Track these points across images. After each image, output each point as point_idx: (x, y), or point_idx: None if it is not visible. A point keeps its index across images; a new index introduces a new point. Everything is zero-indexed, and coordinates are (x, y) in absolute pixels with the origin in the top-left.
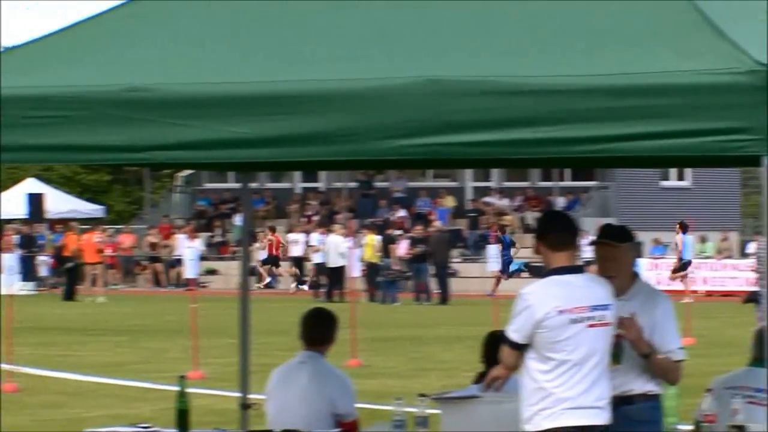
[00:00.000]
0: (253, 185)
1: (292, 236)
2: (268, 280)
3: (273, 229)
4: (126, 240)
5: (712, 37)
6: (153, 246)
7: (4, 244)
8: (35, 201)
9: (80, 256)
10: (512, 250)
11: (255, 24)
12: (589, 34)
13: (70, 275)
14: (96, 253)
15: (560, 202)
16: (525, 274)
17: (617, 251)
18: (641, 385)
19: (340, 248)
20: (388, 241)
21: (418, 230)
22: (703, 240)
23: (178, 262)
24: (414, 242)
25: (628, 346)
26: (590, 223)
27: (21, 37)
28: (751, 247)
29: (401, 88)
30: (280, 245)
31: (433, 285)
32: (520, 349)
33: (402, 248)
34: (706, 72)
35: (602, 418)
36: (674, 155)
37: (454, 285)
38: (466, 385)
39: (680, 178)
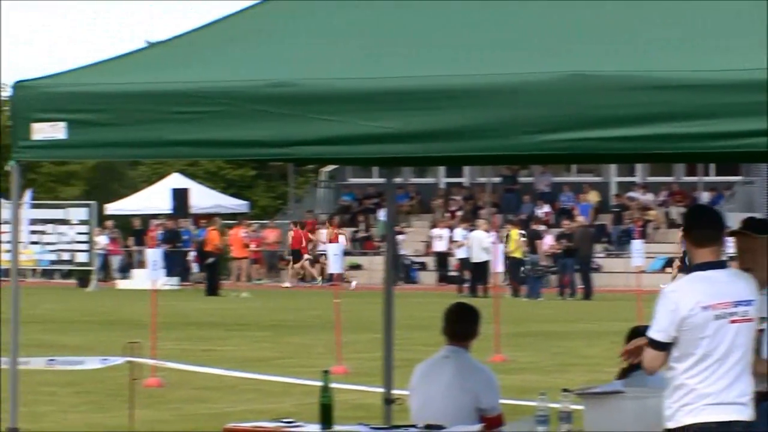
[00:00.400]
0: (398, 180)
1: (435, 231)
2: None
3: (296, 223)
4: (270, 235)
5: None
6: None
7: (148, 239)
8: (180, 196)
9: (225, 250)
10: None
11: (397, 19)
12: (731, 29)
13: (211, 270)
14: (243, 247)
15: (705, 197)
16: (669, 270)
17: (755, 243)
18: None
19: (484, 243)
20: (534, 237)
21: (565, 225)
22: None
23: (322, 257)
24: (559, 237)
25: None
26: (734, 219)
27: (166, 35)
28: None
29: (546, 83)
30: (309, 240)
31: (577, 280)
32: (665, 349)
33: (547, 243)
34: None
35: (745, 413)
36: None
37: (598, 280)
38: (610, 380)
39: None
